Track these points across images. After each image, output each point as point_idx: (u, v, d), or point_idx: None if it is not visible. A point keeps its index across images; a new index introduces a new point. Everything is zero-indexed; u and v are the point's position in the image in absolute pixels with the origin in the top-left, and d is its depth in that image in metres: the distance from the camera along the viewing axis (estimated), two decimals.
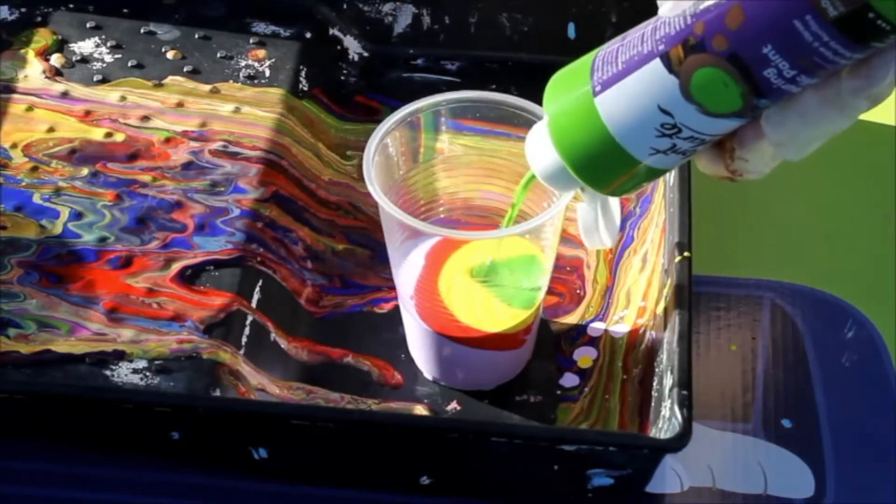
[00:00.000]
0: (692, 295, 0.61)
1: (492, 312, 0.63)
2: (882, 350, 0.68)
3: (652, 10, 0.51)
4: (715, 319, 0.69)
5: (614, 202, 0.59)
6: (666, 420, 0.57)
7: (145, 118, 0.75)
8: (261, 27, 0.80)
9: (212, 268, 0.68)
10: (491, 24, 0.80)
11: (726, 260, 0.71)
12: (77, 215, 0.70)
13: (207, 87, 0.77)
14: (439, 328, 0.63)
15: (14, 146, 0.73)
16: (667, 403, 0.58)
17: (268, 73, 0.78)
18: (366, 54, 0.81)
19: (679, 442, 0.56)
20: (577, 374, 0.66)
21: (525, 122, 0.62)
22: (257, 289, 0.68)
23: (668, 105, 0.50)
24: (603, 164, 0.53)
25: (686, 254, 0.62)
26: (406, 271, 0.63)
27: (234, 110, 0.76)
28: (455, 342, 0.64)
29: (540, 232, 0.62)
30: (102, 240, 0.69)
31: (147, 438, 0.62)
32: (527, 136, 0.56)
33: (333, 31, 0.81)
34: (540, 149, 0.55)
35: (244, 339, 0.66)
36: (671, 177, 0.66)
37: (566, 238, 0.72)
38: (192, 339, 0.65)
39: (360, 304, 0.70)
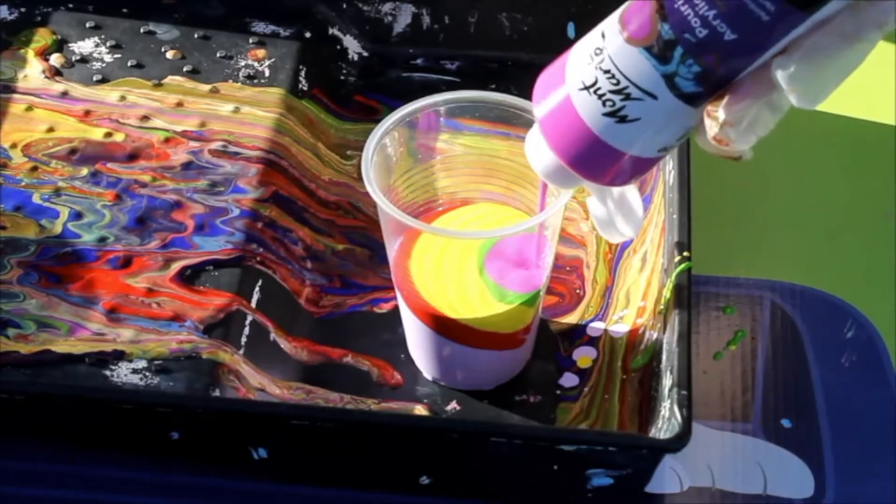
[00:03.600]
0: (692, 295, 0.61)
1: (487, 308, 0.63)
2: (882, 350, 0.68)
3: None
4: (715, 319, 0.69)
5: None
6: (665, 420, 0.57)
7: (145, 118, 0.75)
8: (260, 27, 0.80)
9: (211, 268, 0.68)
10: (491, 24, 0.80)
11: (726, 260, 0.71)
12: (77, 215, 0.70)
13: (207, 87, 0.77)
14: (438, 327, 0.63)
15: (14, 146, 0.73)
16: (666, 403, 0.58)
17: (267, 72, 0.78)
18: (365, 54, 0.81)
19: (678, 442, 0.56)
20: (576, 374, 0.66)
21: (525, 123, 0.62)
22: (257, 289, 0.68)
23: None
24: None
25: (686, 254, 0.62)
26: (405, 270, 0.63)
27: (233, 110, 0.76)
28: (454, 342, 0.64)
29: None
30: (102, 240, 0.69)
31: (147, 438, 0.62)
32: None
33: (333, 31, 0.81)
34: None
35: (244, 339, 0.66)
36: (671, 177, 0.66)
37: (566, 238, 0.72)
38: (192, 339, 0.65)
39: (360, 304, 0.70)
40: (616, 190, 0.58)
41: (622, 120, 0.51)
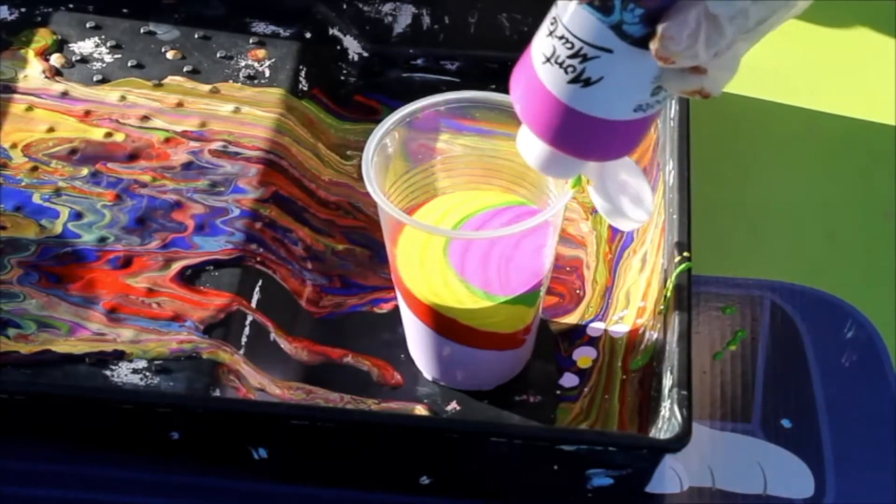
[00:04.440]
0: (692, 295, 0.61)
1: (456, 301, 0.63)
2: (882, 350, 0.68)
3: None
4: (715, 319, 0.69)
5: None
6: (665, 420, 0.57)
7: (145, 118, 0.75)
8: (261, 27, 0.80)
9: (211, 268, 0.68)
10: (491, 24, 0.80)
11: (726, 260, 0.71)
12: (77, 215, 0.70)
13: (207, 87, 0.77)
14: (438, 327, 0.63)
15: (14, 146, 0.73)
16: (666, 403, 0.58)
17: (267, 73, 0.78)
18: (365, 54, 0.81)
19: (679, 442, 0.56)
20: (576, 374, 0.66)
21: None
22: (257, 289, 0.68)
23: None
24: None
25: (686, 254, 0.62)
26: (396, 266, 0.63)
27: (233, 110, 0.76)
28: (454, 342, 0.64)
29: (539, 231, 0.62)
30: (102, 240, 0.69)
31: (147, 438, 0.62)
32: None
33: (333, 31, 0.81)
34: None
35: (244, 340, 0.66)
36: (671, 177, 0.66)
37: (566, 238, 0.72)
38: (192, 339, 0.65)
39: (360, 304, 0.70)
40: (619, 176, 0.58)
41: (587, 83, 0.52)
